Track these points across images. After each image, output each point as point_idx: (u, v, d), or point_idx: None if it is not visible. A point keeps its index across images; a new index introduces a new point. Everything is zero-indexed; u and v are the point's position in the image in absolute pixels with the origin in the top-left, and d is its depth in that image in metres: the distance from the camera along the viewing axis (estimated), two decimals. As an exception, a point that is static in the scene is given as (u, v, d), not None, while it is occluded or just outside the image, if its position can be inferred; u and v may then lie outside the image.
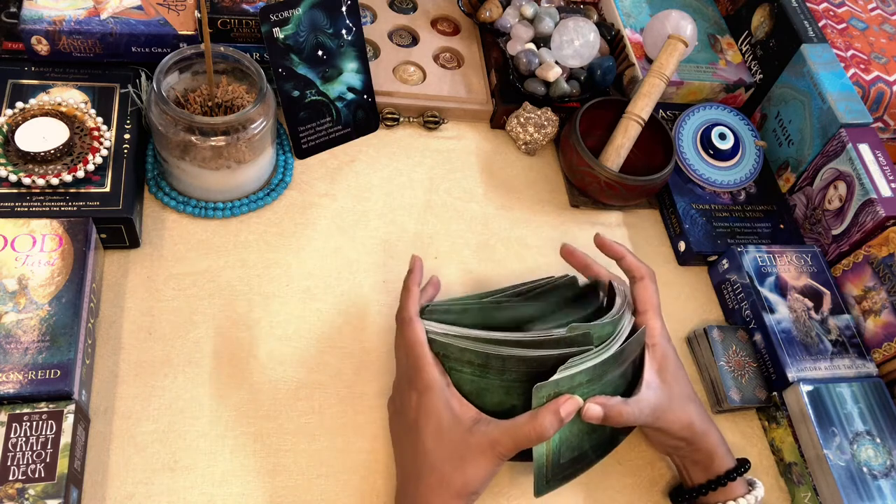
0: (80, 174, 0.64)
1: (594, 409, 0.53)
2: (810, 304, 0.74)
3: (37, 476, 0.51)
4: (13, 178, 0.62)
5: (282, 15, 0.71)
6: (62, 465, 0.52)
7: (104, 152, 0.66)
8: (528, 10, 0.87)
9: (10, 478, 0.51)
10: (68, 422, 0.54)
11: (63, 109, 0.67)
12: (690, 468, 0.61)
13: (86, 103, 0.68)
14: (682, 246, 0.80)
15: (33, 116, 0.66)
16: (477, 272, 0.74)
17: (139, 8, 0.71)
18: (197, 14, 0.72)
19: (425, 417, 0.54)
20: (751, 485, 0.61)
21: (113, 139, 0.68)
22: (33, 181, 0.63)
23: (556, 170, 0.85)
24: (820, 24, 0.88)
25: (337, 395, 0.64)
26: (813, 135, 0.82)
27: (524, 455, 0.53)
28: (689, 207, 0.81)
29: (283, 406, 0.63)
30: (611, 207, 0.83)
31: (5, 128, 0.65)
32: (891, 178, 0.76)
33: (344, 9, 0.75)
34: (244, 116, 0.65)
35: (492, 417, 0.54)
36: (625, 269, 0.63)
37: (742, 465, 0.60)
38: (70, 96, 0.69)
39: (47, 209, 0.63)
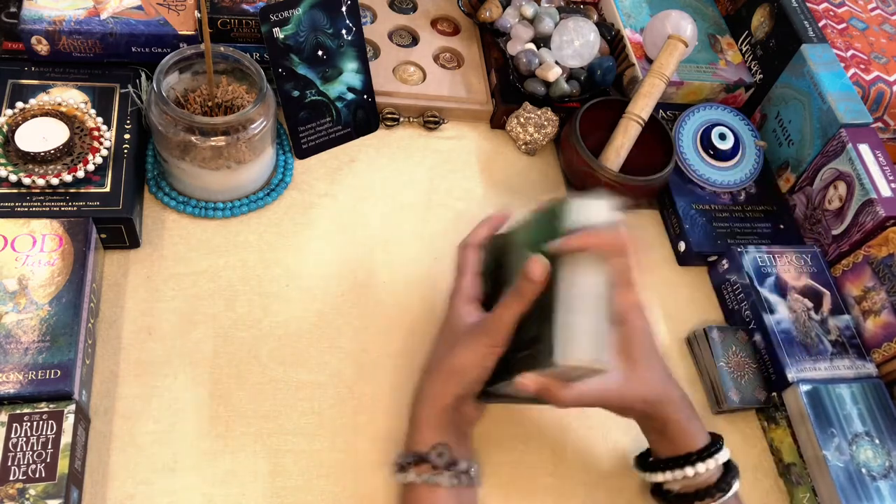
0: (80, 174, 0.64)
1: (526, 384, 0.52)
2: (810, 304, 0.75)
3: (37, 476, 0.51)
4: (13, 178, 0.62)
5: (282, 15, 0.71)
6: (62, 466, 0.52)
7: (104, 152, 0.66)
8: (528, 10, 0.87)
9: (11, 478, 0.51)
10: (69, 422, 0.54)
11: (63, 109, 0.67)
12: (655, 438, 0.60)
13: (86, 103, 0.68)
14: (682, 246, 0.80)
15: (33, 116, 0.66)
16: (477, 272, 0.75)
17: (139, 8, 0.71)
18: (197, 14, 0.72)
19: (444, 322, 0.60)
20: (727, 480, 0.58)
21: (113, 139, 0.68)
22: (33, 181, 0.63)
23: (556, 170, 0.85)
24: (820, 24, 0.88)
25: (337, 395, 0.64)
26: (813, 135, 0.82)
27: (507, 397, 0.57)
28: (689, 208, 0.81)
29: (283, 406, 0.63)
30: (611, 207, 0.83)
31: (5, 128, 0.65)
32: (891, 178, 0.76)
33: (344, 9, 0.75)
34: (244, 116, 0.65)
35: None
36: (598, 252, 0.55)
37: (714, 444, 0.58)
38: (70, 96, 0.69)
39: (47, 209, 0.63)
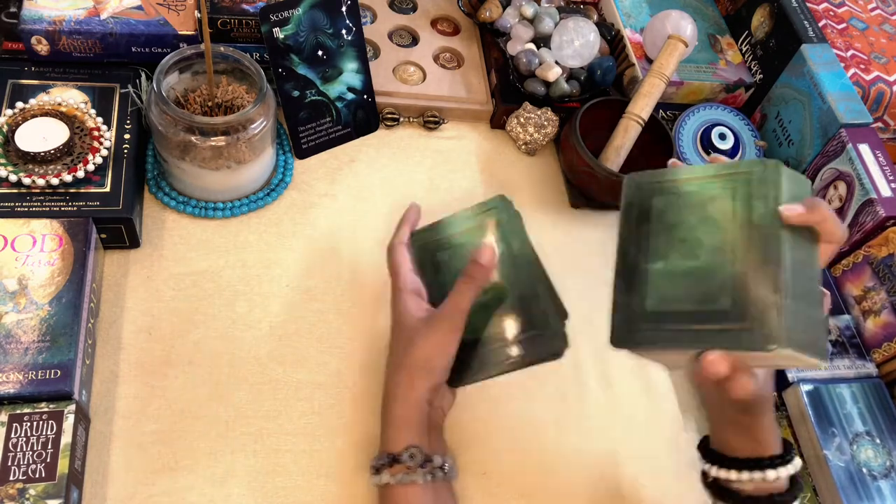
0: (80, 174, 0.64)
1: (718, 364, 0.46)
2: (810, 304, 0.74)
3: (37, 476, 0.51)
4: (13, 178, 0.62)
5: (282, 15, 0.71)
6: (62, 466, 0.52)
7: (104, 152, 0.66)
8: (528, 10, 0.87)
9: (11, 478, 0.51)
10: (69, 422, 0.54)
11: (63, 109, 0.67)
12: (738, 435, 0.56)
13: (86, 103, 0.68)
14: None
15: (33, 116, 0.66)
16: (477, 272, 0.74)
17: (139, 8, 0.71)
18: (197, 14, 0.72)
19: (394, 321, 0.60)
20: (793, 492, 0.56)
21: (113, 139, 0.68)
22: (33, 181, 0.63)
23: (556, 170, 0.85)
24: (820, 24, 0.88)
25: (337, 395, 0.64)
26: (813, 135, 0.82)
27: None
28: (689, 207, 0.81)
29: (283, 406, 0.63)
30: (611, 207, 0.83)
31: (5, 128, 0.65)
32: (891, 178, 0.76)
33: (344, 9, 0.75)
34: (244, 116, 0.65)
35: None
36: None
37: (788, 452, 0.55)
38: (70, 96, 0.69)
39: (47, 209, 0.63)
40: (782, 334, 0.44)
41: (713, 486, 0.57)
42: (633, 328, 0.51)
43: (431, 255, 0.63)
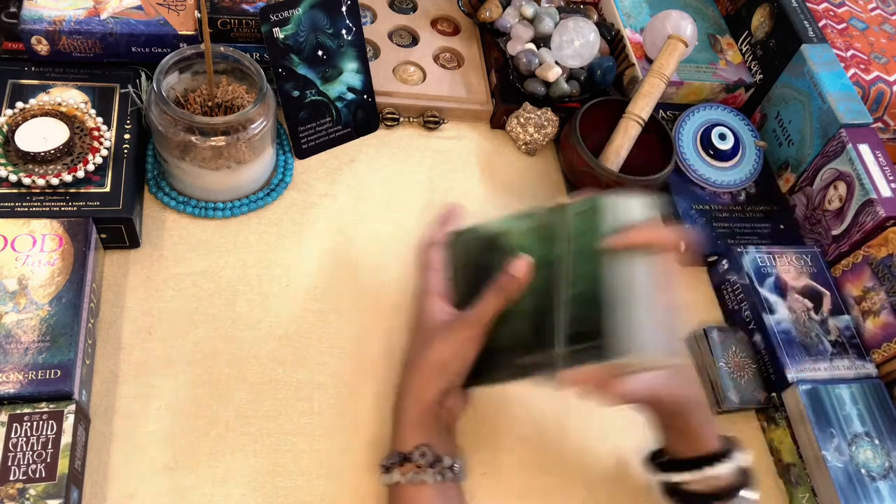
0: (80, 174, 0.64)
1: (579, 376, 0.51)
2: (810, 304, 0.75)
3: (37, 476, 0.51)
4: (13, 178, 0.62)
5: (282, 15, 0.71)
6: (63, 466, 0.52)
7: (104, 152, 0.66)
8: (528, 10, 0.87)
9: (11, 478, 0.51)
10: (69, 422, 0.54)
11: (63, 109, 0.67)
12: (675, 438, 0.59)
13: (86, 103, 0.68)
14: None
15: (33, 116, 0.66)
16: (477, 272, 0.75)
17: (139, 8, 0.71)
18: (197, 14, 0.72)
19: (418, 320, 0.60)
20: (746, 482, 0.58)
21: (113, 139, 0.68)
22: (33, 181, 0.63)
23: (556, 170, 0.85)
24: (820, 24, 0.88)
25: (337, 395, 0.64)
26: (813, 135, 0.82)
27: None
28: (689, 208, 0.81)
29: (283, 406, 0.63)
30: (611, 207, 0.83)
31: (5, 128, 0.65)
32: (891, 178, 0.76)
33: (344, 9, 0.75)
34: (244, 116, 0.65)
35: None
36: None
37: (733, 445, 0.58)
38: (70, 96, 0.69)
39: (47, 209, 0.63)
40: (630, 345, 0.49)
41: (667, 492, 0.60)
42: (477, 369, 0.57)
43: (467, 257, 0.61)
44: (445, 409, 0.57)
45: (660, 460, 0.61)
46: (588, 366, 0.51)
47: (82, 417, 0.56)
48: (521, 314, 0.56)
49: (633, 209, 0.54)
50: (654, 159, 0.81)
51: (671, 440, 0.60)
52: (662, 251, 0.52)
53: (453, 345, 0.56)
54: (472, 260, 0.61)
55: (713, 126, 0.86)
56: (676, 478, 0.58)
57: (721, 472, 0.56)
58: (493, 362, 0.57)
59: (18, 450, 0.52)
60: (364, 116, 0.80)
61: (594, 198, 0.54)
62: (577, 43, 0.83)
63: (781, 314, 0.73)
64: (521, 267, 0.55)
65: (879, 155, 0.77)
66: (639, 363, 0.50)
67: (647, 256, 0.52)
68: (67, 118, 0.66)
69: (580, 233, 0.54)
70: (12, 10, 0.70)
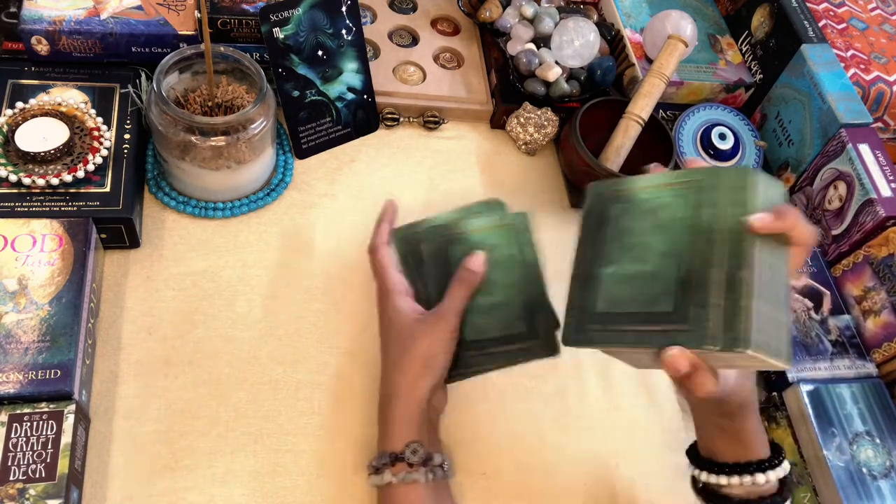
0: (80, 174, 0.64)
1: (678, 360, 0.47)
2: (810, 304, 0.75)
3: (37, 476, 0.51)
4: (13, 178, 0.62)
5: (282, 15, 0.71)
6: (62, 466, 0.52)
7: (104, 152, 0.66)
8: (528, 10, 0.87)
9: (11, 478, 0.51)
10: (69, 422, 0.54)
11: (63, 109, 0.67)
12: (725, 441, 0.56)
13: (86, 103, 0.68)
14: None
15: (33, 116, 0.66)
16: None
17: (139, 8, 0.71)
18: (197, 14, 0.72)
19: (382, 321, 0.61)
20: (784, 494, 0.56)
21: (113, 139, 0.68)
22: (33, 181, 0.63)
23: (556, 170, 0.85)
24: (820, 24, 0.88)
25: (337, 395, 0.64)
26: (813, 135, 0.82)
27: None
28: (689, 207, 0.81)
29: (283, 406, 0.63)
30: (611, 207, 0.83)
31: (5, 128, 0.65)
32: (891, 178, 0.76)
33: (344, 9, 0.75)
34: (244, 116, 0.65)
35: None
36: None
37: (777, 455, 0.55)
38: (70, 96, 0.69)
39: (47, 209, 0.63)
40: (721, 334, 0.45)
41: (703, 491, 0.58)
42: (582, 328, 0.53)
43: (415, 251, 0.63)
44: (431, 405, 0.58)
45: (697, 458, 0.58)
46: (686, 350, 0.47)
47: (82, 417, 0.56)
48: (505, 305, 0.60)
49: (776, 190, 0.50)
50: (654, 159, 0.81)
51: (718, 442, 0.56)
52: (798, 244, 0.48)
53: (435, 340, 0.57)
54: (433, 254, 0.63)
55: (713, 126, 0.86)
56: (722, 480, 0.56)
57: (766, 479, 0.54)
58: (471, 354, 0.59)
59: (18, 450, 0.52)
60: (364, 116, 0.80)
61: (745, 169, 0.50)
62: (577, 43, 0.83)
63: (782, 314, 0.73)
64: (476, 261, 0.59)
65: (879, 155, 0.77)
66: (761, 359, 0.46)
67: (785, 245, 0.48)
68: (67, 118, 0.66)
69: (731, 203, 0.49)
70: (12, 10, 0.70)
